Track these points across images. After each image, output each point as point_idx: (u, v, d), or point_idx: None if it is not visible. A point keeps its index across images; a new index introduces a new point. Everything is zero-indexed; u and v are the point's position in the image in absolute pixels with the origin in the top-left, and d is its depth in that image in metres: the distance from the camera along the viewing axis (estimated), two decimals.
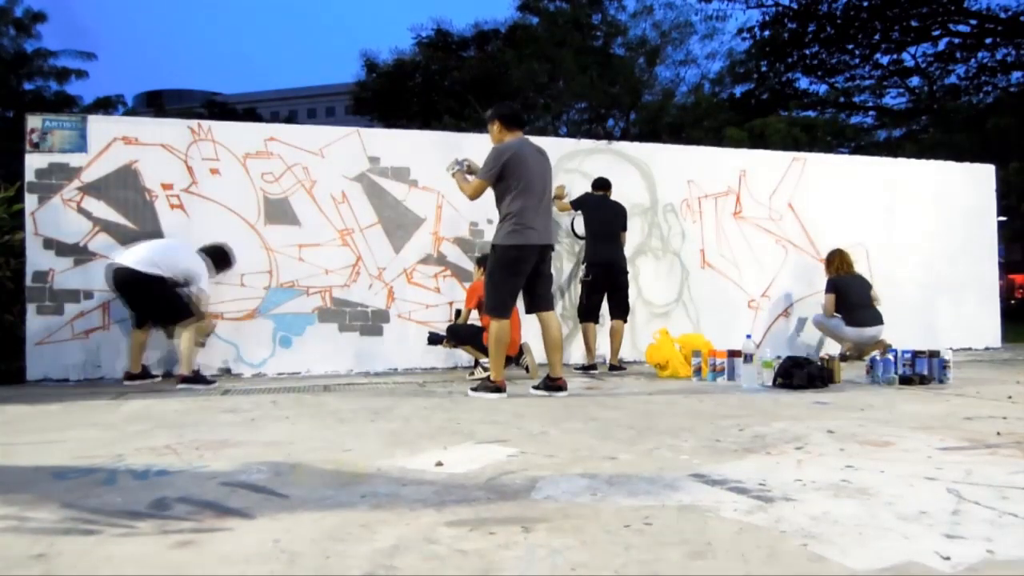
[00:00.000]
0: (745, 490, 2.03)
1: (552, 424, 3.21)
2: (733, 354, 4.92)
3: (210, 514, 1.86)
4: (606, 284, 5.74)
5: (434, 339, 5.36)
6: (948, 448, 2.62)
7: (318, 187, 5.87)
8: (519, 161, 4.19)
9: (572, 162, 6.48)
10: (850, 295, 6.38)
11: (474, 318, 5.36)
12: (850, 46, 19.65)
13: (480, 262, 5.43)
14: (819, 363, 4.70)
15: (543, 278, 4.39)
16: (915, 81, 20.37)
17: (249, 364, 5.67)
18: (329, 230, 5.88)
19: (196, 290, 4.92)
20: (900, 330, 6.47)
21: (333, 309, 5.85)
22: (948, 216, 7.62)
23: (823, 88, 21.17)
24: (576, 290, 6.24)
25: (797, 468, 2.30)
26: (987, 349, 7.62)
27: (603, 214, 5.81)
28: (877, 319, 6.31)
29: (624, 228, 5.93)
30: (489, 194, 4.36)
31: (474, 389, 4.30)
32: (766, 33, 19.87)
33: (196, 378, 4.87)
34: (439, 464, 2.37)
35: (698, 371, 5.11)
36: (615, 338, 5.76)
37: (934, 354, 4.77)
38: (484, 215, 5.97)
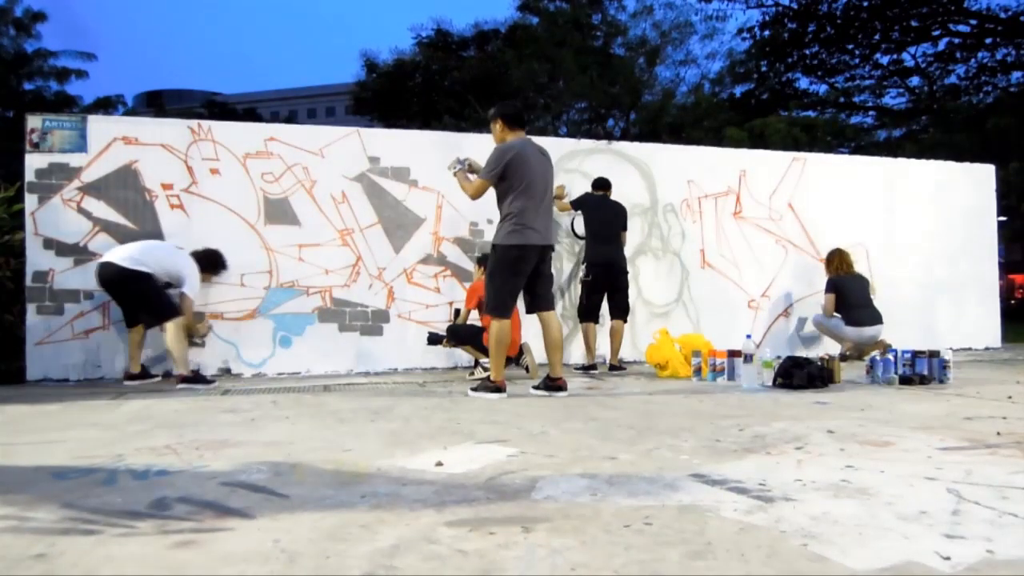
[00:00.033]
0: (745, 490, 2.03)
1: (552, 424, 3.21)
2: (733, 354, 4.92)
3: (210, 514, 1.86)
4: (606, 284, 5.74)
5: (433, 339, 5.36)
6: (948, 448, 2.62)
7: (318, 187, 5.87)
8: (521, 161, 4.19)
9: (572, 162, 6.48)
10: (850, 295, 6.38)
11: (474, 318, 5.36)
12: (850, 46, 19.66)
13: (480, 262, 5.43)
14: (819, 363, 4.70)
15: (543, 278, 4.39)
16: (915, 81, 20.39)
17: (249, 364, 5.67)
18: (329, 230, 5.88)
19: (181, 293, 4.94)
20: (900, 330, 6.47)
21: (333, 309, 5.85)
22: (948, 216, 7.62)
23: (823, 88, 21.20)
24: (576, 290, 6.24)
25: (797, 468, 2.30)
26: (987, 349, 7.62)
27: (603, 214, 5.81)
28: (876, 319, 6.31)
29: (624, 228, 5.93)
30: (490, 194, 4.36)
31: (474, 389, 4.30)
32: (766, 33, 19.88)
33: (196, 378, 4.87)
34: (439, 464, 2.37)
35: (698, 371, 5.11)
36: (615, 338, 5.76)
37: (934, 354, 4.77)
38: (484, 215, 5.97)
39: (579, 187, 6.20)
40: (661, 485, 2.09)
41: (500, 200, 4.29)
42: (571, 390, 4.34)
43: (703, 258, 6.86)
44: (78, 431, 3.17)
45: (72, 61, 20.67)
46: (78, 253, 5.39)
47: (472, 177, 4.42)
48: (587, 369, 5.67)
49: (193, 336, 5.36)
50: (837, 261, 6.55)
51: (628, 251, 6.10)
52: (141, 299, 4.91)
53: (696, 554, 1.53)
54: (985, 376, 5.15)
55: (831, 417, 3.34)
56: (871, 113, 21.27)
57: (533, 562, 1.49)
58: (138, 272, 4.77)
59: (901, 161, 8.05)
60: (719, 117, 18.69)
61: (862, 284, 6.49)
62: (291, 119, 45.45)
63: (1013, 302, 19.37)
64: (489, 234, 5.53)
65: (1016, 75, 18.54)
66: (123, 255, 4.82)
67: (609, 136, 18.56)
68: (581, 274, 5.89)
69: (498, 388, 4.23)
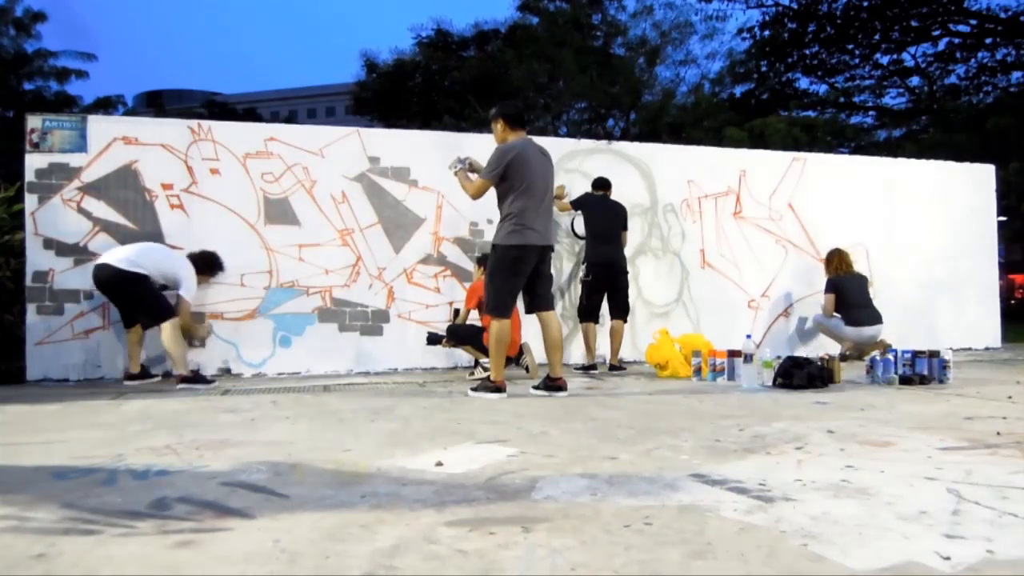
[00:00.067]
0: (745, 490, 2.03)
1: (552, 424, 3.21)
2: (733, 354, 4.92)
3: (210, 514, 1.86)
4: (606, 284, 5.74)
5: (433, 339, 5.36)
6: (948, 448, 2.62)
7: (318, 187, 5.87)
8: (522, 161, 4.19)
9: (572, 162, 6.48)
10: (849, 295, 6.38)
11: (474, 318, 5.36)
12: (850, 46, 19.66)
13: (480, 262, 5.43)
14: (819, 363, 4.70)
15: (543, 278, 4.39)
16: (915, 81, 20.39)
17: (249, 364, 5.67)
18: (329, 230, 5.88)
19: (178, 295, 4.95)
20: (900, 330, 6.47)
21: (333, 309, 5.85)
22: (948, 216, 7.62)
23: (823, 88, 21.20)
24: (576, 290, 6.24)
25: (797, 468, 2.30)
26: (987, 349, 7.62)
27: (603, 214, 5.80)
28: (876, 319, 6.31)
29: (624, 228, 5.93)
30: (490, 194, 4.36)
31: (474, 389, 4.30)
32: (766, 33, 19.88)
33: (196, 378, 4.88)
34: (439, 464, 2.37)
35: (698, 371, 5.11)
36: (615, 338, 5.76)
37: (934, 354, 4.77)
38: (484, 215, 5.97)
39: (579, 187, 6.20)
40: (661, 485, 2.09)
41: (500, 200, 4.29)
42: (571, 390, 4.34)
43: (703, 258, 6.86)
44: (78, 431, 3.17)
45: (72, 61, 20.71)
46: (78, 253, 5.39)
47: (473, 177, 4.42)
48: (587, 369, 5.67)
49: (193, 339, 5.38)
50: (836, 261, 6.55)
51: (628, 251, 6.10)
52: (137, 300, 4.91)
53: (696, 554, 1.53)
54: (985, 376, 5.15)
55: (831, 417, 3.34)
56: (871, 113, 21.28)
57: (533, 562, 1.49)
58: (134, 274, 4.78)
59: (901, 161, 8.05)
60: (719, 117, 18.69)
61: (862, 284, 6.49)
62: (291, 119, 45.46)
63: (1013, 302, 19.37)
64: (489, 234, 5.53)
65: (1016, 75, 18.57)
66: (119, 257, 4.84)
67: (609, 136, 18.56)
68: (581, 274, 5.89)
69: (498, 388, 4.23)
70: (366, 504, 1.92)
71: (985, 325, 7.75)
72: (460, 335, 5.27)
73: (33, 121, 5.43)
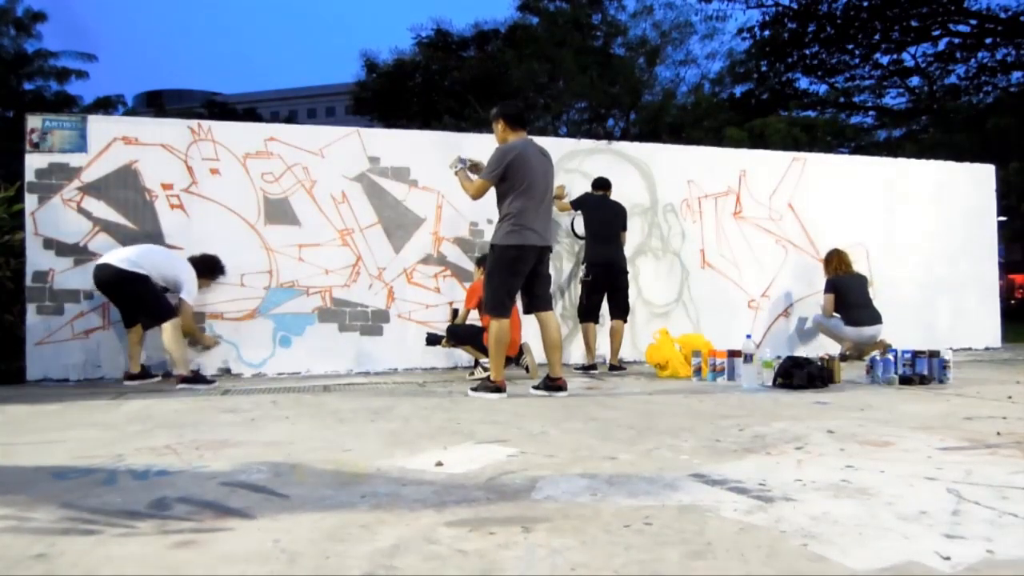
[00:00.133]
0: (745, 490, 2.03)
1: (552, 424, 3.21)
2: (733, 354, 4.92)
3: (210, 514, 1.86)
4: (606, 284, 5.74)
5: (432, 340, 5.36)
6: (948, 448, 2.62)
7: (318, 187, 5.87)
8: (523, 162, 4.19)
9: (572, 162, 6.48)
10: (849, 295, 6.38)
11: (474, 318, 5.36)
12: (850, 46, 19.66)
13: (480, 262, 5.43)
14: (819, 363, 4.70)
15: (541, 279, 4.39)
16: (915, 81, 20.39)
17: (249, 364, 5.67)
18: (329, 230, 5.88)
19: (179, 297, 4.95)
20: (900, 330, 6.47)
21: (333, 309, 5.85)
22: (948, 216, 7.62)
23: (823, 88, 21.20)
24: (576, 290, 6.24)
25: (797, 468, 2.30)
26: (987, 349, 7.62)
27: (603, 214, 5.80)
28: (876, 318, 6.31)
29: (624, 228, 5.93)
30: (490, 194, 4.36)
31: (474, 389, 4.31)
32: (766, 33, 19.88)
33: (196, 378, 4.88)
34: (439, 464, 2.37)
35: (698, 371, 5.11)
36: (615, 338, 5.76)
37: (934, 354, 4.77)
38: (484, 215, 5.97)
39: (579, 187, 6.20)
40: (661, 485, 2.09)
41: (500, 200, 4.29)
42: (571, 390, 4.34)
43: (703, 258, 6.86)
44: (78, 431, 3.17)
45: (72, 61, 20.71)
46: (78, 253, 5.39)
47: (473, 177, 4.42)
48: (587, 369, 5.67)
49: (199, 346, 5.39)
50: (836, 261, 6.55)
51: (628, 251, 6.10)
52: (138, 301, 4.92)
53: (696, 554, 1.53)
54: (985, 376, 5.15)
55: (831, 417, 3.34)
56: (871, 113, 21.28)
57: (533, 562, 1.48)
58: (135, 274, 4.78)
59: (901, 161, 8.05)
60: (719, 117, 18.69)
61: (861, 284, 6.50)
62: (291, 119, 45.46)
63: (1013, 302, 19.37)
64: (489, 234, 5.52)
65: (1016, 75, 18.57)
66: (121, 257, 4.85)
67: (609, 136, 18.55)
68: (581, 274, 5.89)
69: (498, 388, 4.23)
70: (366, 504, 1.92)
71: (985, 325, 7.75)
72: (460, 335, 5.27)
73: (33, 121, 5.43)
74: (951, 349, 5.05)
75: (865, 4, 18.43)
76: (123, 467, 2.40)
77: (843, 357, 5.88)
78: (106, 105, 21.67)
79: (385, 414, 3.54)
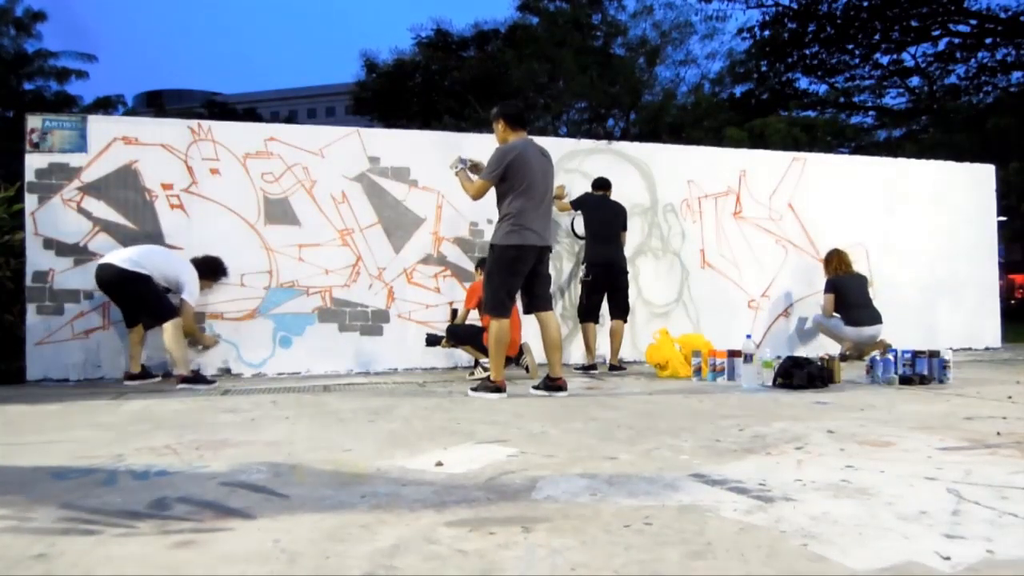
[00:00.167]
0: (745, 490, 2.03)
1: (552, 424, 3.21)
2: (733, 354, 4.92)
3: (210, 514, 1.85)
4: (606, 284, 5.74)
5: (432, 340, 5.36)
6: (948, 448, 2.62)
7: (318, 187, 5.87)
8: (523, 162, 4.19)
9: (572, 162, 6.48)
10: (849, 295, 6.38)
11: (474, 318, 5.36)
12: (850, 46, 19.66)
13: (480, 265, 5.43)
14: (819, 363, 4.70)
15: (541, 279, 4.39)
16: (915, 81, 20.39)
17: (249, 364, 5.67)
18: (329, 230, 5.88)
19: (181, 298, 4.95)
20: (900, 330, 6.47)
21: (333, 309, 5.85)
22: (948, 216, 7.62)
23: (823, 88, 21.20)
24: (576, 290, 6.24)
25: (797, 468, 2.30)
26: (987, 349, 7.62)
27: (603, 214, 5.80)
28: (876, 318, 6.31)
29: (624, 228, 5.93)
30: (491, 194, 4.36)
31: (474, 389, 4.31)
32: (766, 33, 19.89)
33: (196, 378, 4.88)
34: (439, 464, 2.37)
35: (698, 371, 5.11)
36: (615, 338, 5.76)
37: (934, 354, 4.77)
38: (484, 215, 5.97)
39: (579, 187, 6.20)
40: (661, 485, 2.09)
41: (500, 200, 4.29)
42: (571, 390, 4.34)
43: (703, 258, 6.86)
44: (78, 431, 3.17)
45: (72, 61, 20.71)
46: (78, 253, 5.39)
47: (473, 177, 4.42)
48: (587, 369, 5.67)
49: (199, 346, 5.39)
50: (836, 261, 6.55)
51: (628, 251, 6.10)
52: (139, 301, 4.92)
53: (696, 554, 1.53)
54: (985, 376, 5.15)
55: (831, 417, 3.34)
56: (871, 113, 21.28)
57: (533, 562, 1.48)
58: (136, 274, 4.79)
59: (901, 161, 8.05)
60: (719, 117, 18.69)
61: (861, 284, 6.50)
62: (291, 119, 45.46)
63: (1013, 302, 19.37)
64: (489, 234, 5.52)
65: (1016, 75, 18.57)
66: (122, 257, 4.85)
67: (609, 136, 18.56)
68: (581, 274, 5.89)
69: (498, 388, 4.23)
70: (366, 504, 1.92)
71: (985, 325, 7.75)
72: (459, 335, 5.27)
73: (33, 121, 5.43)
74: (951, 349, 5.05)
75: (865, 4, 18.43)
76: (123, 467, 2.40)
77: (843, 357, 5.88)
78: (106, 105, 21.67)
79: (385, 414, 3.54)
